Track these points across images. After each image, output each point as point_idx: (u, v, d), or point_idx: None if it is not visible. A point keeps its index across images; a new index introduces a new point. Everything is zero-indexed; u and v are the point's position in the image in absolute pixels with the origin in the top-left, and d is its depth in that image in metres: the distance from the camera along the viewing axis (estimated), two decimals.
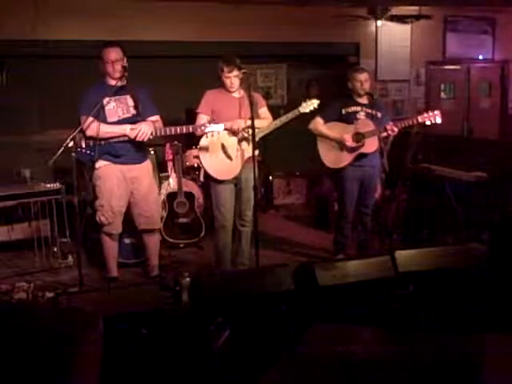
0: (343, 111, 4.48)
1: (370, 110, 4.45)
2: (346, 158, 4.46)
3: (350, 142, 4.38)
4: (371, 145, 4.39)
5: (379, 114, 4.45)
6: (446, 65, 7.57)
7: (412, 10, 6.99)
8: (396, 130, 4.31)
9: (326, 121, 4.49)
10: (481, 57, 7.57)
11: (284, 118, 4.12)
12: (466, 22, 7.42)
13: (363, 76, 4.42)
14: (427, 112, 4.38)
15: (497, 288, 3.06)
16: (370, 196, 4.62)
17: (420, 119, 4.35)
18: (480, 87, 7.81)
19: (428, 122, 4.34)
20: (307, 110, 4.17)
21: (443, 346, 2.04)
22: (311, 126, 4.51)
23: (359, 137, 4.38)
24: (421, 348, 2.05)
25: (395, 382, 1.85)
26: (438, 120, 4.33)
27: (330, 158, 4.53)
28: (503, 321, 2.71)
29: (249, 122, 3.88)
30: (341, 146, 4.46)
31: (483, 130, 7.26)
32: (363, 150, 4.41)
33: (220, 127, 3.85)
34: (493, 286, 3.09)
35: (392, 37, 7.09)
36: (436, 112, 4.35)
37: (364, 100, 4.49)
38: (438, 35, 7.32)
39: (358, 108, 4.46)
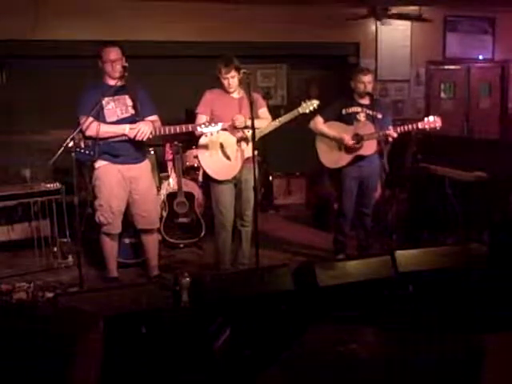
0: (343, 111, 4.48)
1: (370, 112, 4.45)
2: (344, 159, 4.46)
3: (348, 141, 4.38)
4: (369, 147, 4.40)
5: (379, 115, 4.45)
6: (446, 65, 7.57)
7: (412, 9, 6.99)
8: (395, 135, 4.31)
9: (326, 120, 4.49)
10: (481, 57, 7.57)
11: (283, 119, 4.12)
12: (466, 22, 7.42)
13: (367, 78, 4.41)
14: (428, 118, 4.37)
15: (497, 288, 3.06)
16: (369, 196, 4.61)
17: (420, 125, 4.34)
18: (480, 87, 7.81)
19: (428, 127, 4.35)
20: (307, 111, 4.17)
21: (443, 346, 2.04)
22: (311, 124, 4.51)
23: (358, 138, 4.38)
24: (421, 348, 2.05)
25: (395, 382, 1.85)
26: (438, 125, 4.34)
27: (328, 157, 4.53)
28: (503, 321, 2.71)
29: (248, 122, 3.88)
30: (339, 146, 4.46)
31: (483, 130, 7.26)
32: (361, 152, 4.41)
33: (219, 127, 3.85)
34: (493, 286, 3.09)
35: (392, 37, 7.09)
36: (437, 119, 4.35)
37: (365, 100, 4.48)
38: (438, 35, 7.32)
39: (359, 109, 4.46)
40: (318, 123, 4.49)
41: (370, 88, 4.43)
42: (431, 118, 4.37)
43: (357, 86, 4.44)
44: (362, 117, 4.45)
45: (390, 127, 4.35)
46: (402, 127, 4.34)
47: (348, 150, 4.44)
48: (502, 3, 6.81)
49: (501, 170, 4.70)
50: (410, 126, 4.34)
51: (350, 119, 4.46)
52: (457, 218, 4.86)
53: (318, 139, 4.56)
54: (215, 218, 4.27)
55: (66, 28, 5.73)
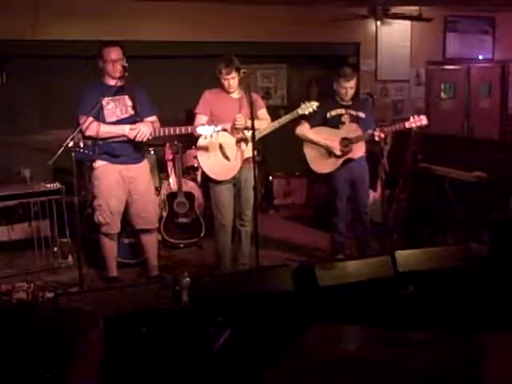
0: (328, 114, 4.44)
1: (354, 112, 4.45)
2: (334, 164, 4.45)
3: (338, 151, 4.39)
4: (358, 150, 4.42)
5: (362, 115, 4.46)
6: (446, 65, 7.57)
7: (412, 9, 6.99)
8: (383, 135, 4.32)
9: (313, 125, 4.47)
10: (481, 57, 7.56)
11: (283, 120, 4.12)
12: (466, 22, 7.42)
13: (349, 83, 4.38)
14: (414, 118, 4.37)
15: (497, 288, 3.06)
16: (363, 195, 4.59)
17: (407, 125, 4.35)
18: (480, 87, 7.80)
19: (414, 126, 4.36)
20: (306, 112, 4.17)
21: (443, 346, 2.04)
22: (298, 131, 4.48)
23: (346, 142, 4.39)
24: (420, 348, 2.05)
25: (394, 382, 1.85)
26: (424, 122, 4.34)
27: (317, 163, 4.51)
28: (503, 320, 2.71)
29: (248, 123, 3.88)
30: (328, 151, 4.45)
31: (483, 130, 7.26)
32: (350, 155, 4.42)
33: (218, 128, 3.85)
34: (493, 286, 3.09)
35: (392, 37, 7.09)
36: (422, 117, 4.35)
37: (348, 101, 4.48)
38: (438, 35, 7.32)
39: (343, 111, 4.45)
40: (305, 130, 4.46)
41: (351, 93, 4.43)
42: (416, 116, 4.38)
43: (338, 90, 4.42)
44: (346, 118, 4.44)
45: (377, 128, 4.35)
46: (388, 127, 4.36)
47: (337, 154, 4.45)
48: (502, 3, 6.81)
49: (501, 169, 4.70)
50: (396, 126, 4.36)
51: (335, 122, 4.44)
52: (457, 217, 4.86)
53: (305, 145, 4.53)
54: (215, 218, 4.27)
55: (66, 28, 5.72)
